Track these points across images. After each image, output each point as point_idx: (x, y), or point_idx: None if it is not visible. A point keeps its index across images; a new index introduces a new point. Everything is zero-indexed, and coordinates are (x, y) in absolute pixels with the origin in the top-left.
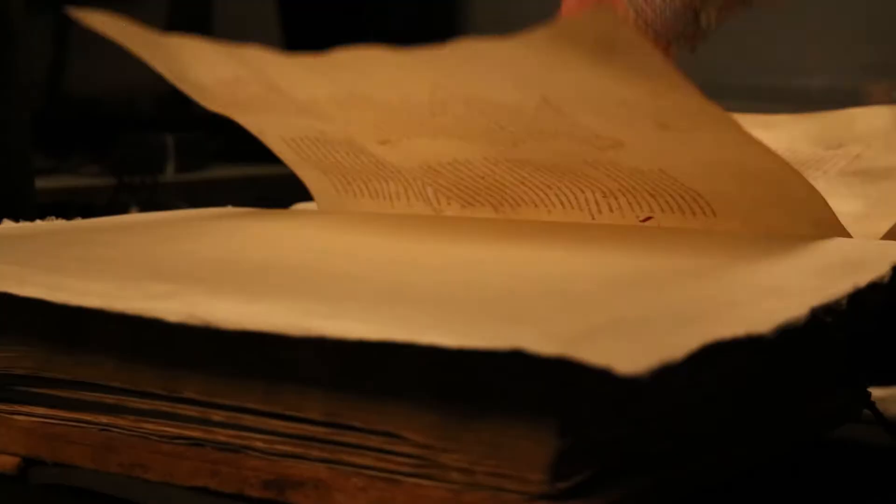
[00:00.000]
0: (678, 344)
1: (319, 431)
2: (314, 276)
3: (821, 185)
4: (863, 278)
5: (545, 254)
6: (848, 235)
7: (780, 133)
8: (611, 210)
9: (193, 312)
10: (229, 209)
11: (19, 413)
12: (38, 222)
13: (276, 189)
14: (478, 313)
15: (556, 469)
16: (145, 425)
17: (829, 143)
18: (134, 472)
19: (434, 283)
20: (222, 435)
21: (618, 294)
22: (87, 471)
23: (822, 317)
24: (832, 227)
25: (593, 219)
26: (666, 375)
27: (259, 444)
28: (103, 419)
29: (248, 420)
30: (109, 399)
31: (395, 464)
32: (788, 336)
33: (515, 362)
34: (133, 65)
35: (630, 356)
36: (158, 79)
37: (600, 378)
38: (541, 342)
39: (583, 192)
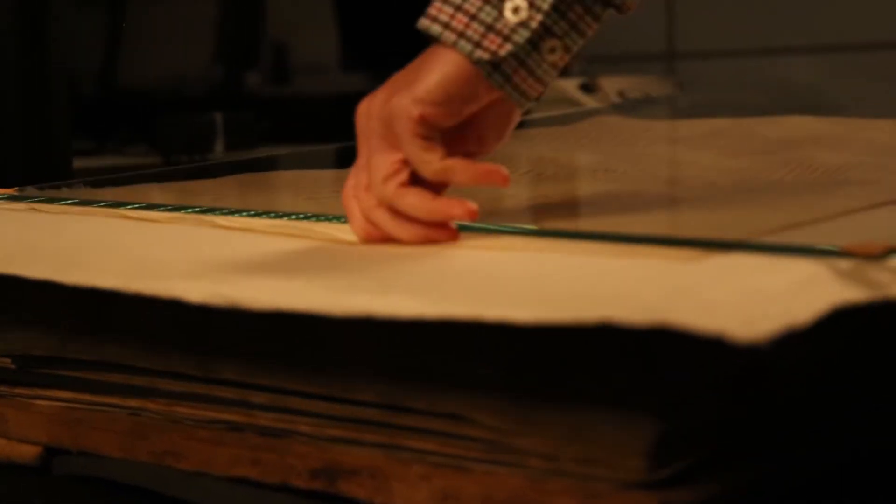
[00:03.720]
0: (802, 307)
1: (375, 414)
2: (355, 254)
3: None
4: None
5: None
6: None
7: None
8: None
9: (218, 291)
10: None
11: (41, 398)
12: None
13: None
14: (554, 287)
15: (655, 455)
16: (178, 409)
17: None
18: (166, 461)
19: (499, 261)
20: (264, 419)
21: (718, 257)
22: (115, 460)
23: None
24: None
25: None
26: (788, 345)
27: (305, 429)
28: (132, 403)
29: (294, 402)
30: (139, 381)
31: (463, 449)
32: None
33: (604, 337)
34: (182, 49)
35: (746, 321)
36: (209, 61)
37: (707, 350)
38: (634, 312)
39: None
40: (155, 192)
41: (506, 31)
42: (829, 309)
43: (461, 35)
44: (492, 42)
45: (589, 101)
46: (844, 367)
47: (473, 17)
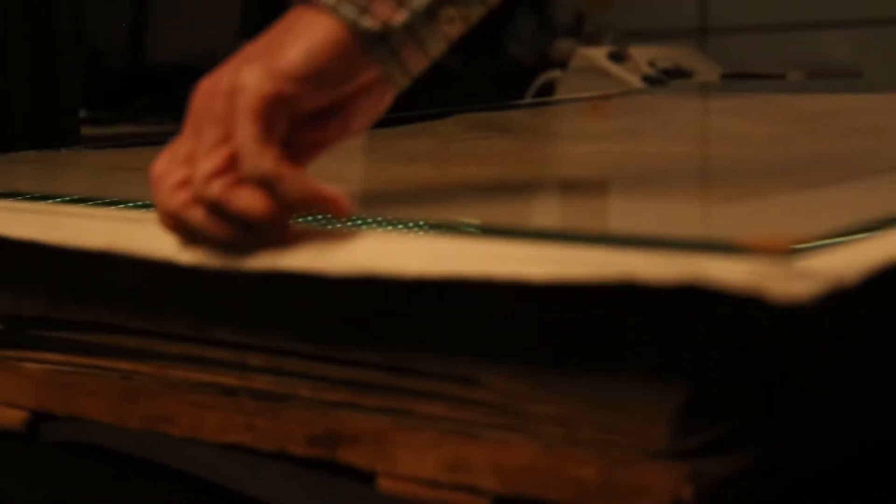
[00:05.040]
0: (850, 263)
1: (378, 377)
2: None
3: None
4: None
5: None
6: None
7: None
8: None
9: (213, 252)
10: None
11: (28, 360)
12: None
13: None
14: (573, 239)
15: (682, 423)
16: (172, 372)
17: None
18: (158, 427)
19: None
20: (260, 382)
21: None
22: (104, 426)
23: None
24: None
25: None
26: (833, 304)
27: (304, 392)
28: (123, 366)
29: (292, 364)
30: (130, 342)
31: (473, 415)
32: None
33: (627, 295)
34: (207, 20)
35: (786, 277)
36: (234, 32)
37: (742, 309)
38: (659, 267)
39: None
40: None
41: None
42: (880, 266)
43: None
44: (383, 7)
45: (619, 71)
46: (891, 330)
47: None
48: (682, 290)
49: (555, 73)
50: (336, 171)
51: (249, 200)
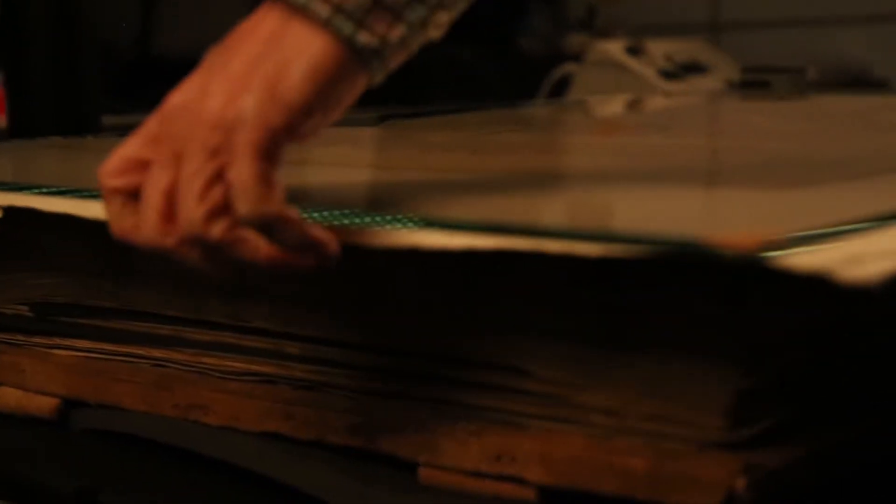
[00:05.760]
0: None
1: (420, 366)
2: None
3: None
4: None
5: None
6: None
7: None
8: None
9: None
10: None
11: (59, 347)
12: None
13: None
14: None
15: (737, 412)
16: (206, 360)
17: None
18: (192, 416)
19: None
20: (299, 370)
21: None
22: (137, 414)
23: None
24: None
25: None
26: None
27: (344, 381)
28: (156, 353)
29: (331, 353)
30: (164, 330)
31: (519, 404)
32: None
33: (683, 274)
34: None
35: (853, 259)
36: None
37: (805, 291)
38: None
39: None
40: None
41: (396, 5)
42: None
43: (337, 8)
44: (380, 23)
45: (635, 65)
46: None
47: None
48: (740, 274)
49: (570, 67)
50: (376, 159)
51: (254, 246)
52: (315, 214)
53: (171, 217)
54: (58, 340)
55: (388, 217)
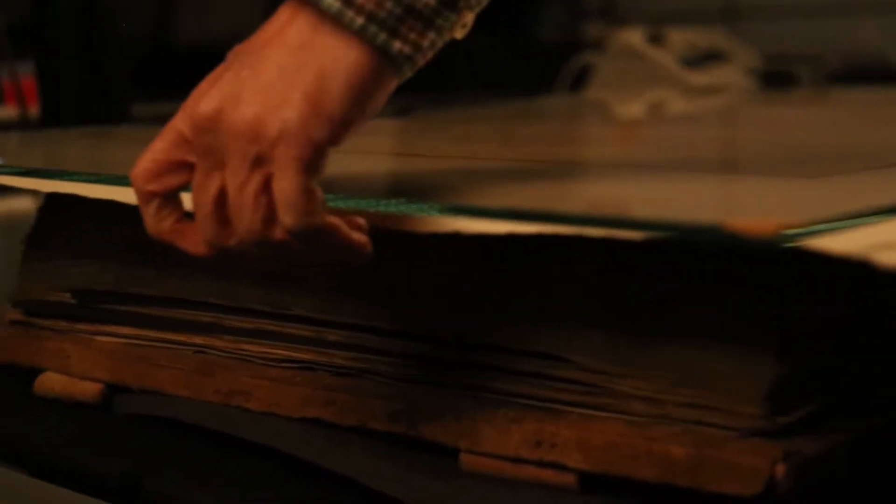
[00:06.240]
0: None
1: (460, 354)
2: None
3: None
4: None
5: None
6: None
7: None
8: None
9: None
10: None
11: (102, 333)
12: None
13: None
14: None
15: (776, 399)
16: (247, 346)
17: None
18: (233, 401)
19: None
20: (340, 358)
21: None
22: (179, 399)
23: None
24: None
25: None
26: None
27: (385, 369)
28: (198, 340)
29: (371, 340)
30: (205, 317)
31: (557, 391)
32: None
33: (722, 261)
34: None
35: (885, 245)
36: (258, 20)
37: (845, 277)
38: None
39: None
40: None
41: (427, 11)
42: None
43: (371, 17)
44: (412, 29)
45: (656, 54)
46: None
47: None
48: (780, 261)
49: (590, 57)
50: (410, 149)
51: (306, 254)
52: (360, 202)
53: (226, 221)
54: (101, 327)
55: (429, 205)
